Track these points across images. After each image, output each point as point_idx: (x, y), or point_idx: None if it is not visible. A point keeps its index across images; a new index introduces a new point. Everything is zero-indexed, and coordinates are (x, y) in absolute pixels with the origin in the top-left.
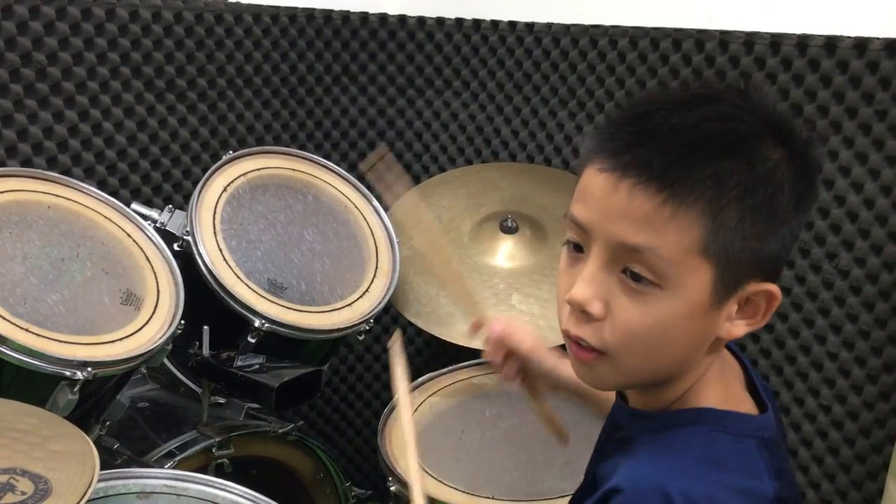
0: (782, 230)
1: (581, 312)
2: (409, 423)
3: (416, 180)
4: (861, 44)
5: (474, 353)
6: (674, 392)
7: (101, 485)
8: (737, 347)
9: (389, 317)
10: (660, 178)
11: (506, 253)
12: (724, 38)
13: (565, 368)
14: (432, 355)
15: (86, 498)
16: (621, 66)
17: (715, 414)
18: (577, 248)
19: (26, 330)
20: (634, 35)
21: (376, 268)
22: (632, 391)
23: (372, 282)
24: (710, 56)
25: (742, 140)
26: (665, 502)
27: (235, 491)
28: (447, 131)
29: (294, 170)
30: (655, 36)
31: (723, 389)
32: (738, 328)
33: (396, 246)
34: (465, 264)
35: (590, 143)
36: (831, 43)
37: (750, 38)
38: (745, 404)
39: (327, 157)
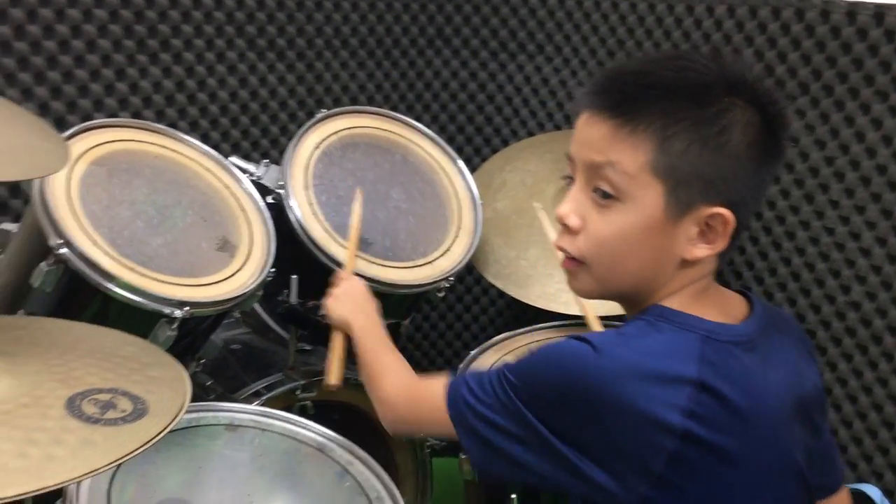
0: (731, 163)
1: (564, 226)
2: None
3: (505, 144)
4: None
5: (554, 316)
6: (649, 300)
7: (194, 415)
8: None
9: (472, 277)
10: (614, 109)
11: None
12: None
13: None
14: (513, 317)
15: (178, 418)
16: (717, 33)
17: (665, 310)
18: (571, 180)
19: (131, 269)
20: (732, 3)
21: (459, 228)
22: (628, 309)
23: (454, 241)
24: (809, 25)
25: (694, 86)
26: (582, 344)
27: (315, 430)
28: (537, 96)
29: (384, 129)
30: (753, 4)
31: (688, 300)
32: (700, 250)
33: (479, 207)
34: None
35: (578, 99)
36: (880, 12)
37: (853, 9)
38: (709, 315)
39: (418, 118)
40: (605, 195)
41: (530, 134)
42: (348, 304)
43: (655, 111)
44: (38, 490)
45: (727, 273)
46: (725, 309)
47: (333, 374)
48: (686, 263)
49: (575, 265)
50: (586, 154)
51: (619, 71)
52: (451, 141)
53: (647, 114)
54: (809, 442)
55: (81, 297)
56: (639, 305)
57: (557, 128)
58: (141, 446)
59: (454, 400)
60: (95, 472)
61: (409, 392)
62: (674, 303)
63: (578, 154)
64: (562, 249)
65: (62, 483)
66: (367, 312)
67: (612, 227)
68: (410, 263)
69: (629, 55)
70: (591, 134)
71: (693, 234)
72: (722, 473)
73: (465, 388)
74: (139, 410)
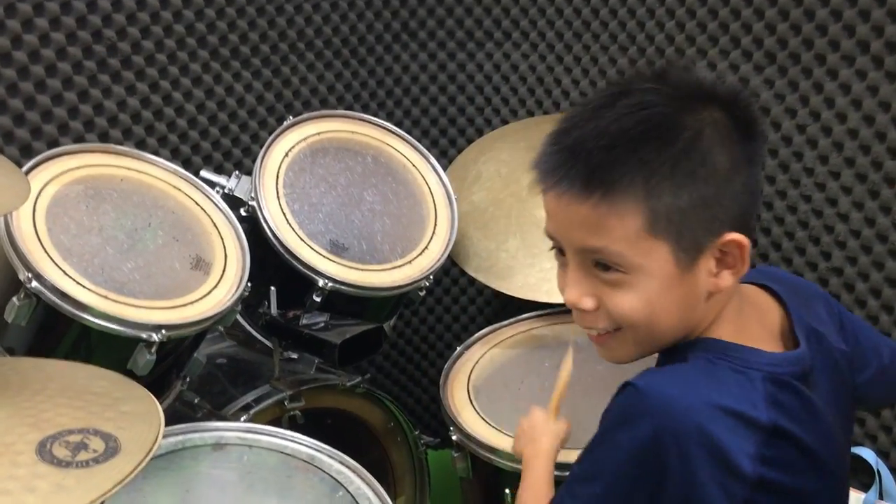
0: (726, 187)
1: (578, 309)
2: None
3: (479, 133)
4: None
5: (537, 306)
6: (691, 336)
7: (180, 437)
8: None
9: (457, 269)
10: (586, 186)
11: None
12: None
13: None
14: (501, 306)
15: (150, 455)
16: (681, 8)
17: (719, 344)
18: (561, 252)
19: (105, 297)
20: None
21: (435, 224)
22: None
23: (431, 238)
24: None
25: (656, 124)
26: (651, 398)
27: (303, 442)
28: (508, 83)
29: (353, 132)
30: None
31: (735, 328)
32: (724, 279)
33: (454, 203)
34: (524, 218)
35: (534, 171)
36: None
37: None
38: (760, 341)
39: (390, 114)
40: (608, 268)
41: (503, 122)
42: (523, 437)
43: (629, 170)
44: None
45: None
46: (765, 320)
47: None
48: (713, 294)
49: (610, 337)
50: (573, 240)
51: (572, 140)
52: (425, 134)
53: (621, 177)
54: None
55: (57, 329)
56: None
57: (530, 114)
58: (113, 487)
59: None
60: None
61: None
62: (719, 332)
63: (564, 237)
64: (589, 328)
65: None
66: (538, 444)
67: (630, 301)
68: (389, 265)
69: (595, 36)
70: (569, 218)
71: (712, 267)
72: None
73: None
74: (111, 449)
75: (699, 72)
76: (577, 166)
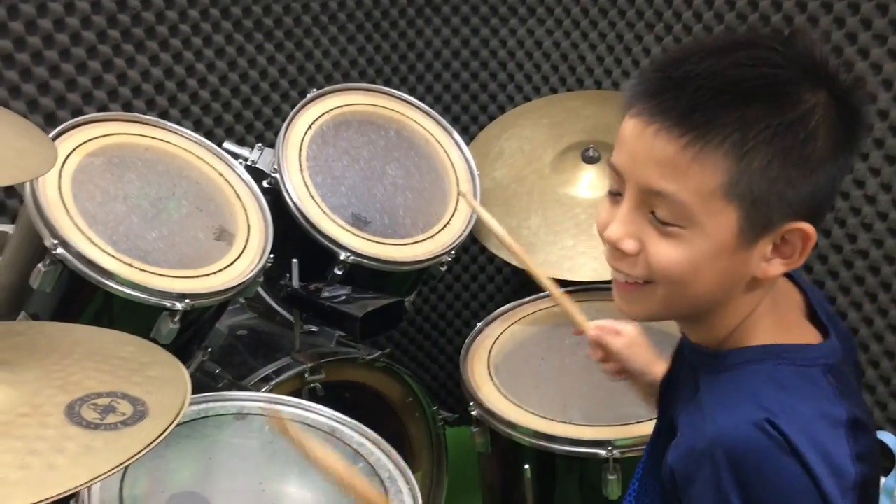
0: (816, 174)
1: (617, 249)
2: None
3: (502, 110)
4: None
5: (558, 283)
6: (721, 328)
7: (203, 406)
8: (801, 274)
9: (477, 247)
10: (682, 122)
11: (587, 183)
12: None
13: (653, 371)
14: (520, 284)
15: (178, 418)
16: None
17: (774, 349)
18: (616, 195)
19: (129, 265)
20: None
21: (457, 200)
22: (688, 329)
23: (453, 214)
24: None
25: (773, 85)
26: (763, 433)
27: (325, 413)
28: (531, 60)
29: (376, 105)
30: None
31: (776, 323)
32: (774, 267)
33: (477, 178)
34: (546, 195)
35: (626, 91)
36: None
37: None
38: (803, 334)
39: (412, 89)
40: (665, 220)
41: (526, 99)
42: None
43: (730, 122)
44: (40, 501)
45: None
46: (796, 307)
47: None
48: (757, 281)
49: (637, 288)
50: (644, 176)
51: (682, 72)
52: (447, 110)
53: (721, 126)
54: None
55: (82, 296)
56: (701, 326)
57: (553, 91)
58: (142, 450)
59: None
60: (97, 480)
61: None
62: (763, 334)
63: (632, 172)
64: (619, 272)
65: (64, 493)
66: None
67: (677, 255)
68: (411, 240)
69: (622, 13)
70: (650, 152)
71: (768, 251)
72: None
73: None
74: (139, 413)
75: (825, 50)
76: (680, 99)
